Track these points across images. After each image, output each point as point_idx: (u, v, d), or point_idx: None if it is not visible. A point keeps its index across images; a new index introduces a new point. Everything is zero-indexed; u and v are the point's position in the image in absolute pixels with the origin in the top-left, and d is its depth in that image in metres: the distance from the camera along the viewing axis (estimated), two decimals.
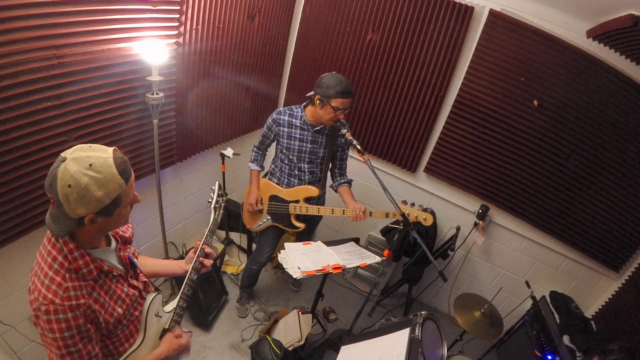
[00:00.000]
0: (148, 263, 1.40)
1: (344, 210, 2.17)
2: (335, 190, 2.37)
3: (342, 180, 2.35)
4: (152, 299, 1.22)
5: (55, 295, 0.94)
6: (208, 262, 1.35)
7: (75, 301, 0.96)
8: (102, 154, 0.92)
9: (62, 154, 0.92)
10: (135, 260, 1.22)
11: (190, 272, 1.29)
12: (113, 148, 0.97)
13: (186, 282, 1.28)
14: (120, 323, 1.10)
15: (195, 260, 1.31)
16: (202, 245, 1.34)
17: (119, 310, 1.08)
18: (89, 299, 1.00)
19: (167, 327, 1.23)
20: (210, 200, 1.49)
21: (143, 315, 1.19)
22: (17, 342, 1.88)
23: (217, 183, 1.54)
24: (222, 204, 1.50)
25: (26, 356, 1.94)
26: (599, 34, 2.09)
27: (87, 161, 0.89)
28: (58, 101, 1.59)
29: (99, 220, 0.95)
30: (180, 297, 1.26)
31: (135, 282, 1.18)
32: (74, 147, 0.93)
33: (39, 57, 1.45)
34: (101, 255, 1.06)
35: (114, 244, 1.14)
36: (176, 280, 2.66)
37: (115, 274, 1.09)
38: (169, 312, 1.27)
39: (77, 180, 0.87)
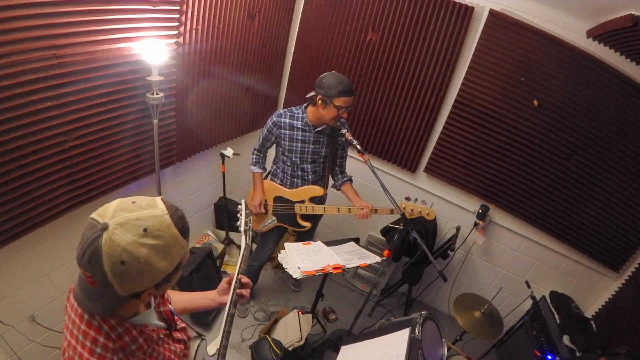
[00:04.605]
0: (176, 299, 1.23)
1: (349, 208, 2.18)
2: (338, 189, 2.38)
3: (345, 179, 2.36)
4: (198, 347, 1.10)
5: None
6: (246, 293, 1.19)
7: None
8: (154, 211, 0.74)
9: (98, 218, 0.71)
10: (172, 308, 1.08)
11: (229, 307, 1.13)
12: (160, 198, 0.79)
13: (226, 319, 1.13)
14: None
15: (233, 293, 1.15)
16: (237, 275, 1.19)
17: None
18: None
19: None
20: (239, 223, 1.35)
21: None
22: (17, 342, 1.88)
23: (242, 201, 1.40)
24: (251, 225, 1.36)
25: (26, 356, 1.94)
26: (599, 34, 2.09)
27: (139, 225, 0.71)
28: (58, 101, 1.58)
29: (157, 291, 0.80)
30: (222, 336, 1.12)
31: (178, 335, 1.04)
32: (112, 207, 0.73)
33: (39, 57, 1.45)
34: (144, 320, 0.90)
35: (153, 301, 0.97)
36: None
37: (161, 335, 0.94)
38: (212, 355, 1.13)
39: (132, 254, 0.69)
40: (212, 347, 1.15)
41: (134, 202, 0.75)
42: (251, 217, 1.38)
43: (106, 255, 0.68)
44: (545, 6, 2.22)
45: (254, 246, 3.14)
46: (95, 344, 0.78)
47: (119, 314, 0.82)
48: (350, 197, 2.28)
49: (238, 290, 1.16)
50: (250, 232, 1.34)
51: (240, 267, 1.21)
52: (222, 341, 1.12)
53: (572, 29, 2.20)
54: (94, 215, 0.73)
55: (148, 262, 0.71)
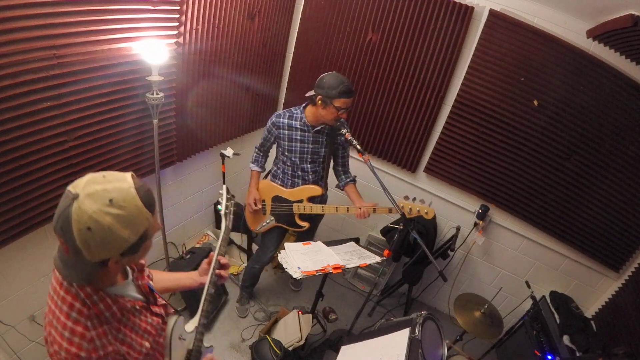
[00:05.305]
0: (160, 279, 1.30)
1: (347, 207, 2.18)
2: (342, 189, 2.37)
3: (348, 180, 2.35)
4: (175, 323, 1.14)
5: (80, 349, 0.83)
6: (225, 273, 1.26)
7: (102, 351, 0.86)
8: (121, 184, 0.80)
9: (72, 189, 0.78)
10: (152, 284, 1.13)
11: (208, 286, 1.20)
12: (130, 174, 0.85)
13: (205, 298, 1.20)
14: (148, 356, 1.03)
15: (212, 274, 1.22)
16: (217, 256, 1.24)
17: (147, 344, 1.00)
18: (115, 343, 0.90)
19: (191, 348, 1.17)
20: (219, 207, 1.40)
21: (167, 341, 1.11)
22: (17, 342, 1.89)
23: (224, 187, 1.46)
24: (232, 209, 1.42)
25: (26, 356, 1.94)
26: (599, 34, 2.09)
27: (105, 196, 0.76)
28: (58, 101, 1.59)
29: (124, 260, 0.85)
30: (200, 315, 1.19)
31: (156, 309, 1.10)
32: (84, 180, 0.80)
33: (39, 57, 1.45)
34: (120, 291, 0.96)
35: (130, 274, 1.04)
36: None
37: (137, 307, 1.00)
38: (191, 332, 1.20)
39: (97, 221, 0.75)
40: (191, 325, 1.21)
41: (104, 176, 0.81)
42: (232, 201, 1.42)
43: (75, 222, 0.75)
44: (545, 6, 2.21)
45: (255, 248, 3.15)
46: (72, 309, 0.85)
47: (95, 283, 0.88)
48: (353, 199, 2.27)
49: (217, 271, 1.22)
50: (231, 216, 1.40)
51: (219, 248, 1.26)
52: (200, 319, 1.18)
53: (572, 29, 2.20)
54: (69, 187, 0.79)
55: (111, 230, 0.77)
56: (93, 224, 0.75)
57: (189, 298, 2.57)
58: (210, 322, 2.64)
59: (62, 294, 0.87)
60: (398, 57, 2.63)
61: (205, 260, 1.28)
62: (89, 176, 0.81)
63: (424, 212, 2.02)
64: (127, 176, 0.84)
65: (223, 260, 1.26)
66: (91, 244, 0.77)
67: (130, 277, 1.03)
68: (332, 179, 2.42)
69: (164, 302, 1.17)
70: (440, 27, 2.44)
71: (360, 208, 2.13)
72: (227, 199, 1.41)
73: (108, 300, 0.89)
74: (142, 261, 1.12)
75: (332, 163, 2.37)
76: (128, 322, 0.96)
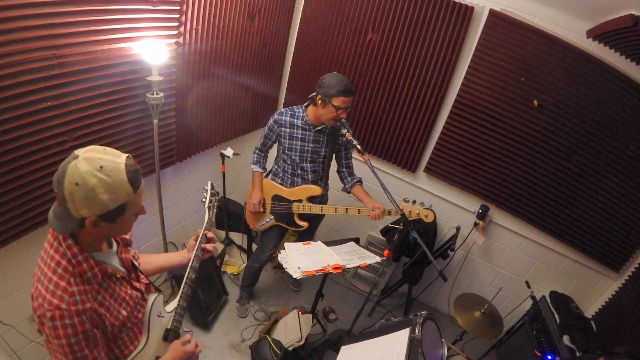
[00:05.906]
0: (151, 260, 1.39)
1: (347, 208, 2.17)
2: (349, 192, 2.34)
3: (354, 181, 2.32)
4: (154, 300, 1.22)
5: (61, 301, 0.92)
6: (210, 246, 1.37)
7: (81, 306, 0.94)
8: (115, 159, 0.92)
9: (76, 152, 0.91)
10: (136, 262, 1.22)
11: (193, 260, 1.30)
12: (127, 155, 0.97)
13: (185, 282, 1.27)
14: (124, 326, 1.10)
15: (198, 247, 1.32)
16: (201, 237, 1.35)
17: (124, 312, 1.07)
18: (94, 303, 0.98)
19: (169, 327, 1.23)
20: (203, 200, 1.51)
21: (146, 317, 1.18)
22: (17, 342, 1.88)
23: (209, 183, 1.57)
24: (216, 203, 1.52)
25: (26, 356, 1.94)
26: (599, 34, 2.09)
27: (98, 163, 0.89)
28: (58, 101, 1.59)
29: (101, 224, 0.94)
30: (180, 297, 1.26)
31: (137, 284, 1.17)
32: (88, 147, 0.93)
33: (39, 57, 1.45)
34: (104, 258, 1.05)
35: (115, 246, 1.13)
36: (176, 280, 2.67)
37: (118, 276, 1.08)
38: (170, 312, 1.26)
39: (85, 179, 0.87)
40: (171, 306, 1.27)
41: (104, 149, 0.94)
42: (216, 197, 1.53)
43: (68, 176, 0.88)
44: (545, 6, 2.22)
45: (254, 247, 3.15)
46: (58, 266, 0.96)
47: (79, 241, 0.98)
48: (362, 199, 2.24)
49: (203, 245, 1.35)
50: (215, 210, 1.50)
51: (201, 238, 1.36)
52: (179, 301, 1.26)
53: (572, 29, 2.20)
54: (76, 150, 0.92)
55: (94, 191, 0.88)
56: (81, 180, 0.87)
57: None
58: (210, 322, 2.65)
59: (52, 253, 0.97)
60: (398, 57, 2.63)
61: (193, 237, 1.38)
62: (92, 146, 0.94)
63: (423, 216, 2.02)
64: (123, 155, 0.96)
65: (209, 234, 1.38)
66: (75, 198, 0.88)
67: (115, 248, 1.12)
68: (333, 180, 2.42)
69: (146, 281, 1.25)
70: (440, 27, 2.45)
71: (373, 210, 2.10)
72: (212, 194, 1.51)
73: (91, 261, 0.99)
74: (127, 236, 1.20)
75: (336, 166, 2.36)
76: (108, 288, 1.05)
